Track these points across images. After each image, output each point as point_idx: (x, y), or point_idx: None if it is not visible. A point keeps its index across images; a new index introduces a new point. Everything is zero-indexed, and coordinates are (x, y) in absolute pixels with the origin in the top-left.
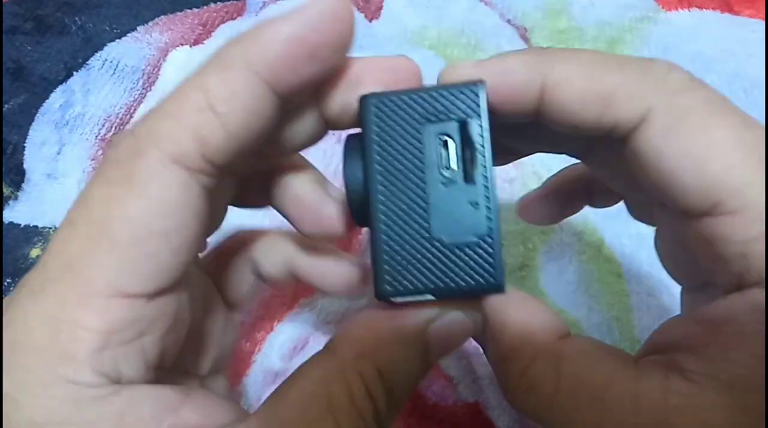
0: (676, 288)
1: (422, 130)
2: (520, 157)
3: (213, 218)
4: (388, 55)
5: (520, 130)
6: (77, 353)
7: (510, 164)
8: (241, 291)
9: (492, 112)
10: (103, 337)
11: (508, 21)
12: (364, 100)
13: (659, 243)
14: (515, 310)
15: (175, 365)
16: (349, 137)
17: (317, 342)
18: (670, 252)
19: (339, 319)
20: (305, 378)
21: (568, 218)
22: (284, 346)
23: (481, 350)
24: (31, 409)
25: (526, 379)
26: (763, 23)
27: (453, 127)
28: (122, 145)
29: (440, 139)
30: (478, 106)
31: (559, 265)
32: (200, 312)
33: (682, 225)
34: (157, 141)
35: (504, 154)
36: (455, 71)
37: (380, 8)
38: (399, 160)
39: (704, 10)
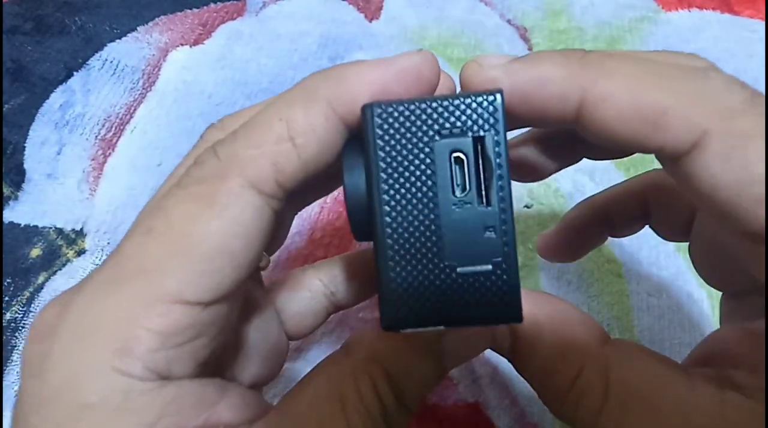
0: (676, 288)
1: (433, 145)
2: (558, 171)
3: (277, 236)
4: (397, 54)
5: (557, 137)
6: (134, 350)
7: None
8: (305, 323)
9: (520, 121)
10: (160, 339)
11: (508, 21)
12: (366, 109)
13: (695, 252)
14: (551, 319)
15: (219, 367)
16: (349, 142)
17: (317, 343)
18: (710, 262)
19: (339, 319)
20: (320, 376)
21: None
22: None
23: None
24: (88, 393)
25: (574, 391)
26: (763, 23)
27: (467, 143)
28: (206, 165)
29: (453, 155)
30: (496, 120)
31: (559, 265)
32: (256, 330)
33: (735, 241)
34: (241, 167)
35: (537, 171)
36: (481, 68)
37: (380, 8)
38: (407, 178)
39: (704, 10)
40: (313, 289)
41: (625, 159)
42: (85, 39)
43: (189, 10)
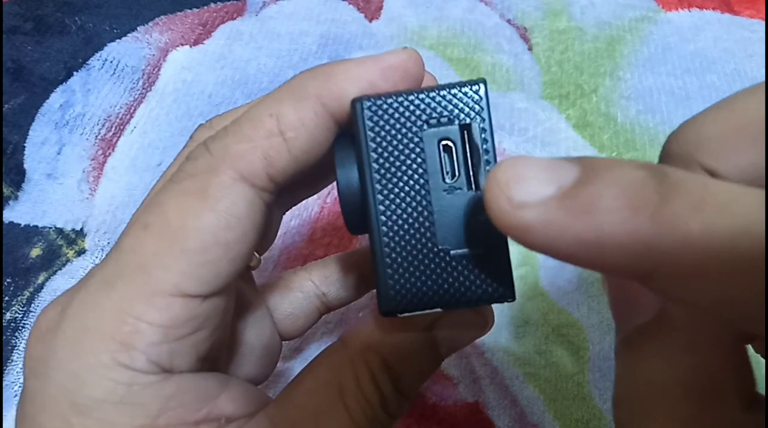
0: None
1: (422, 135)
2: None
3: (266, 235)
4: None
5: None
6: (137, 344)
7: None
8: (298, 324)
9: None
10: (162, 332)
11: (508, 21)
12: (356, 103)
13: None
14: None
15: (215, 366)
16: (340, 138)
17: (317, 343)
18: None
19: (339, 319)
20: (319, 366)
21: None
22: (284, 346)
23: (480, 349)
24: (92, 387)
25: None
26: (763, 23)
27: (454, 131)
28: (199, 160)
29: (441, 144)
30: (481, 108)
31: (559, 265)
32: (250, 328)
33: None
34: (232, 160)
35: None
36: (510, 208)
37: (380, 8)
38: (398, 167)
39: (704, 10)
40: (304, 290)
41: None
42: (85, 39)
43: (189, 10)
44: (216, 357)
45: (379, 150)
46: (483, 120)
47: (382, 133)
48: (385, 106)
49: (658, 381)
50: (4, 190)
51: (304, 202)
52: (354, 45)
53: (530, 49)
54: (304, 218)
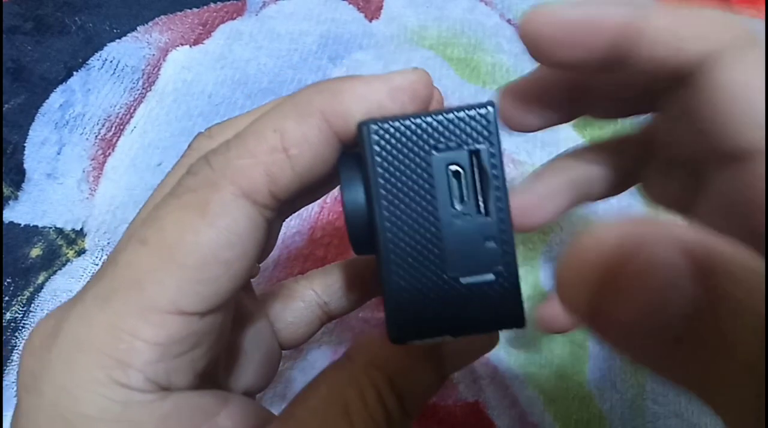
0: None
1: (430, 160)
2: (546, 127)
3: (267, 243)
4: (395, 68)
5: (554, 89)
6: (133, 362)
7: (510, 164)
8: (299, 333)
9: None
10: (159, 350)
11: (508, 21)
12: (363, 127)
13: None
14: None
15: (213, 376)
16: (344, 156)
17: (318, 343)
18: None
19: (340, 320)
20: (323, 383)
21: (568, 217)
22: None
23: None
24: (86, 405)
25: None
26: (763, 23)
27: (463, 156)
28: (200, 174)
29: (450, 169)
30: (490, 132)
31: None
32: (251, 341)
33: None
34: (233, 176)
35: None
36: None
37: (380, 8)
38: (406, 193)
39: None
40: (306, 300)
41: None
42: (85, 39)
43: (189, 10)
44: (214, 368)
45: (387, 175)
46: (492, 145)
47: (390, 158)
48: (392, 130)
49: None
50: (4, 190)
51: None
52: (354, 45)
53: None
54: (304, 218)
